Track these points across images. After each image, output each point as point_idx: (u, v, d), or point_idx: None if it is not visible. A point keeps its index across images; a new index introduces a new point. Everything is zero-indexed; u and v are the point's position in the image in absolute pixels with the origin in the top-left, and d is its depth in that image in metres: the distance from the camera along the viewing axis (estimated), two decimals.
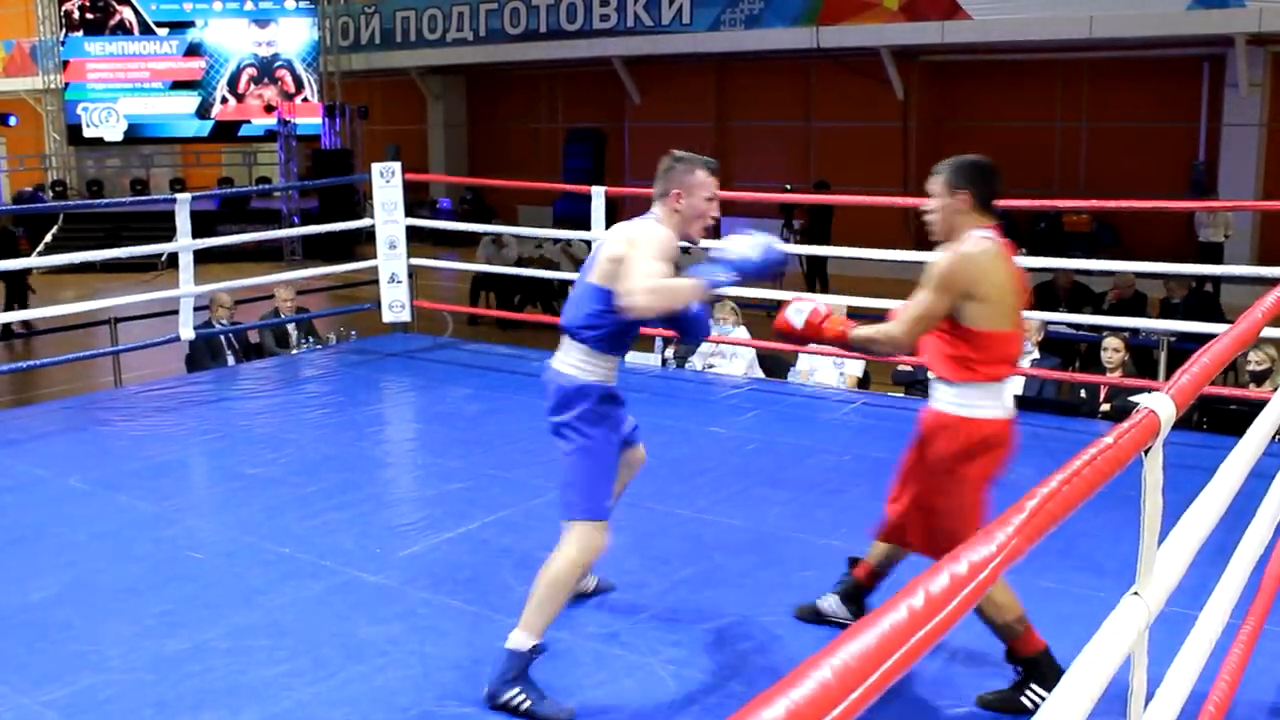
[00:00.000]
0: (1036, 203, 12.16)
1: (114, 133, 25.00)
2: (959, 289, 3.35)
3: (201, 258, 7.94)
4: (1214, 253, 15.49)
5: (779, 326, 3.71)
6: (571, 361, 3.53)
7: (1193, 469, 2.30)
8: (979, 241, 3.39)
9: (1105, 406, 7.42)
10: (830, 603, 4.01)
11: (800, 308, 3.66)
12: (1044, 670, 3.42)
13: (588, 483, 3.48)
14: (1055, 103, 19.02)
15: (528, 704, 3.39)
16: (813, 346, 5.65)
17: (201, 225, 8.28)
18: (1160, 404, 1.77)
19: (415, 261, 8.83)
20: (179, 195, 8.02)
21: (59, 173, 26.57)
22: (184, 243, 7.75)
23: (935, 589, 1.03)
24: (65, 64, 24.82)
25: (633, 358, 8.36)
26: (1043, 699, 3.53)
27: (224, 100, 24.78)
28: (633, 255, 3.41)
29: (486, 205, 23.72)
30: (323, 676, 3.59)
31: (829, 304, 3.76)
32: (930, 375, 3.57)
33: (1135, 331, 8.55)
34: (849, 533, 4.86)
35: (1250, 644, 3.21)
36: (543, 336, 12.29)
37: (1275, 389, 6.19)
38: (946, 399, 3.49)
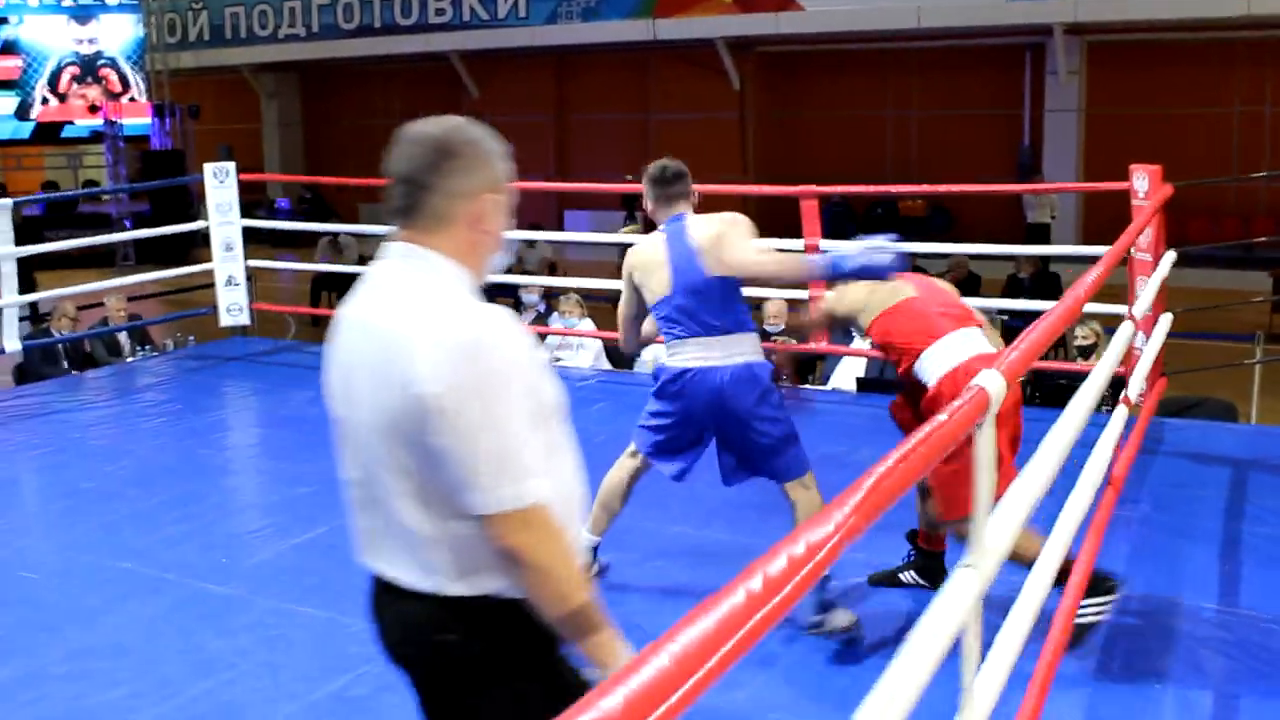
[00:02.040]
0: (871, 189, 12.52)
1: None
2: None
3: (29, 265, 7.62)
4: (1042, 233, 16.13)
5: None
6: (751, 350, 3.83)
7: (1027, 441, 2.39)
8: None
9: None
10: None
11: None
12: (933, 566, 4.02)
13: (797, 443, 3.96)
14: (886, 92, 19.54)
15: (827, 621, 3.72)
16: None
17: (27, 231, 7.93)
18: (990, 380, 1.84)
19: (253, 263, 8.63)
20: None
21: None
22: (5, 250, 7.43)
23: (773, 571, 1.05)
24: None
25: None
26: (916, 583, 4.14)
27: (45, 100, 23.76)
28: (734, 236, 3.74)
29: (326, 204, 23.27)
30: (167, 695, 3.49)
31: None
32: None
33: None
34: (696, 519, 4.91)
35: (1073, 604, 3.36)
36: None
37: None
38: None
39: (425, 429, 1.80)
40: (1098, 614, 3.64)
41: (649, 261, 3.91)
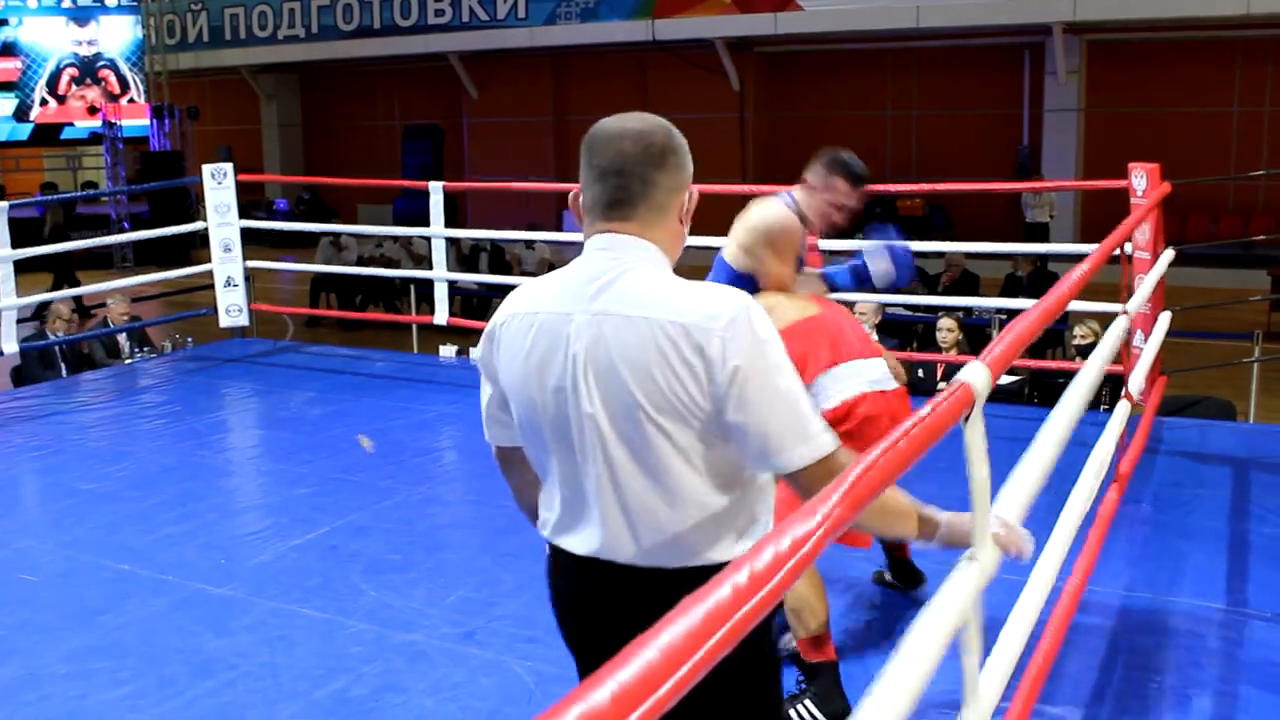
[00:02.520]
0: (869, 188, 12.55)
1: None
2: None
3: (26, 267, 7.63)
4: (1040, 232, 16.17)
5: None
6: None
7: (1024, 441, 2.40)
8: None
9: (942, 385, 7.66)
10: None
11: None
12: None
13: None
14: (886, 91, 19.57)
15: None
16: None
17: (24, 233, 7.95)
18: (975, 373, 1.85)
19: (252, 264, 8.64)
20: None
21: None
22: (3, 253, 7.44)
23: (759, 565, 1.05)
24: None
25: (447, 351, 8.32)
26: (896, 585, 4.01)
27: (44, 102, 23.77)
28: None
29: (325, 205, 23.30)
30: (169, 696, 3.50)
31: None
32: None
33: (969, 311, 8.84)
34: None
35: (1074, 600, 3.36)
36: (385, 337, 12.18)
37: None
38: None
39: (725, 405, 1.86)
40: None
41: None
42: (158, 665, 3.69)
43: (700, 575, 1.28)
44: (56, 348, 8.68)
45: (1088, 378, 2.95)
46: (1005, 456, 2.17)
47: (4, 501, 5.45)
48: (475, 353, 2.74)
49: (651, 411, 1.88)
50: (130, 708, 3.43)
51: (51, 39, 23.51)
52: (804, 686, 3.35)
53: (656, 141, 1.99)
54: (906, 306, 9.56)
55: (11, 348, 7.65)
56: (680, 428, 1.89)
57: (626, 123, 2.01)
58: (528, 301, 2.03)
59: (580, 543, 2.04)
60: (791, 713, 3.30)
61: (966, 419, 1.80)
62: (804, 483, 1.87)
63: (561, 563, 2.12)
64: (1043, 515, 2.76)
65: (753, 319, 1.87)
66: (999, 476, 2.02)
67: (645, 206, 1.98)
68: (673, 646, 0.89)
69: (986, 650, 2.05)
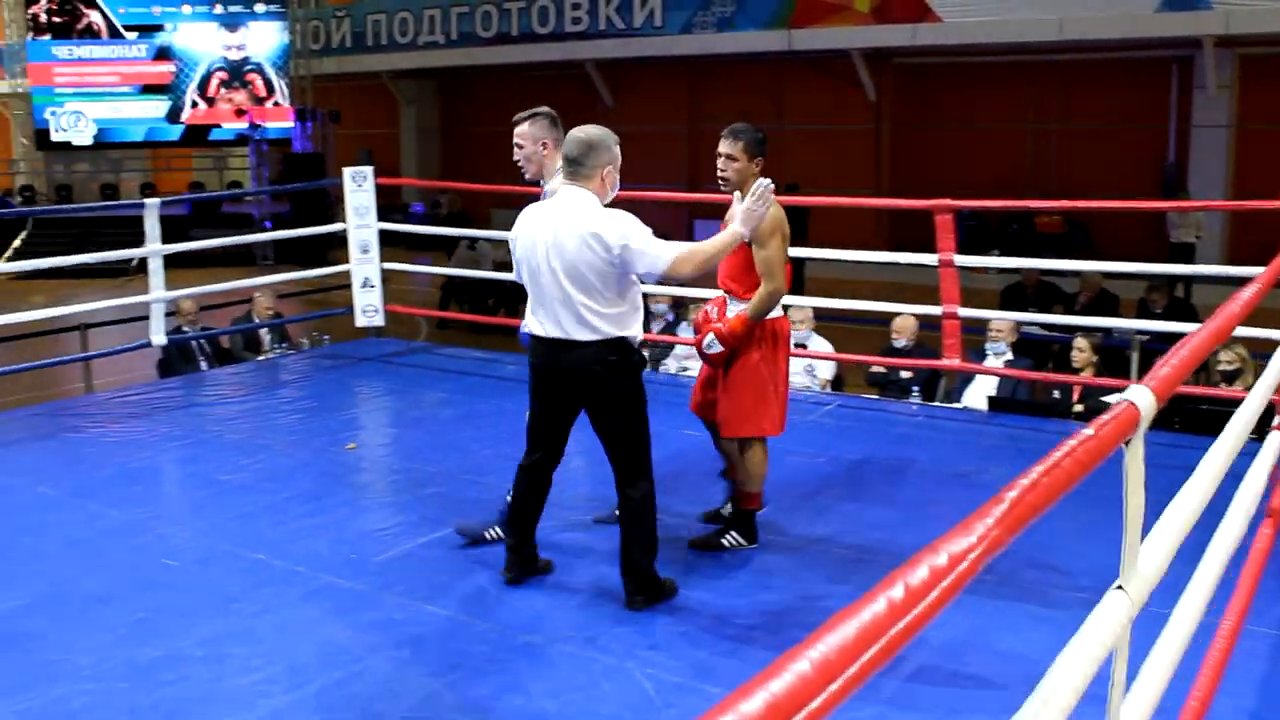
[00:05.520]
0: (1007, 204, 12.27)
1: (83, 137, 24.78)
2: (785, 231, 4.55)
3: (172, 262, 7.89)
4: (1185, 254, 15.60)
5: (712, 359, 4.65)
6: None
7: (1168, 468, 2.31)
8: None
9: (1078, 407, 7.45)
10: (730, 539, 4.72)
11: (709, 342, 4.57)
12: (749, 524, 4.68)
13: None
14: (1026, 104, 19.13)
15: None
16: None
17: (172, 230, 8.22)
18: (1140, 395, 1.78)
19: (388, 266, 8.80)
20: (148, 200, 7.97)
21: (27, 178, 26.36)
22: (154, 248, 7.70)
23: (914, 581, 1.02)
24: (32, 68, 24.60)
25: None
26: (739, 544, 4.65)
27: (194, 104, 24.60)
28: None
29: (460, 209, 23.67)
30: (298, 684, 3.57)
31: (707, 309, 4.75)
32: (729, 295, 4.65)
33: (1108, 332, 8.58)
34: (824, 533, 4.87)
35: (1230, 641, 3.23)
36: (514, 341, 12.26)
37: (1246, 388, 6.23)
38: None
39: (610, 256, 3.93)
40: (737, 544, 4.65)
41: None
42: (288, 653, 3.77)
43: (608, 342, 3.99)
44: (196, 342, 8.95)
45: (1250, 408, 2.83)
46: (1148, 483, 2.08)
47: (147, 489, 5.63)
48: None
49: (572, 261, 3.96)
50: (261, 693, 3.51)
51: (203, 44, 24.31)
52: (733, 525, 4.70)
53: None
54: (1043, 326, 9.34)
55: (160, 340, 7.92)
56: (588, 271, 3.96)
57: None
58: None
59: (542, 328, 4.06)
60: (724, 540, 4.66)
61: (1127, 443, 1.74)
62: (670, 274, 3.96)
63: (535, 343, 4.13)
64: (1189, 550, 2.66)
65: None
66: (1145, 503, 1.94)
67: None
68: (826, 660, 0.86)
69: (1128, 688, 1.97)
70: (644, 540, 4.13)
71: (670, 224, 18.09)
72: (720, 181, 4.67)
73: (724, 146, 4.62)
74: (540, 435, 4.26)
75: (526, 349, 4.30)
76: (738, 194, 4.66)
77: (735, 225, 3.98)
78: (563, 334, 4.03)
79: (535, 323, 4.13)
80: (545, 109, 4.70)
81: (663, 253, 3.92)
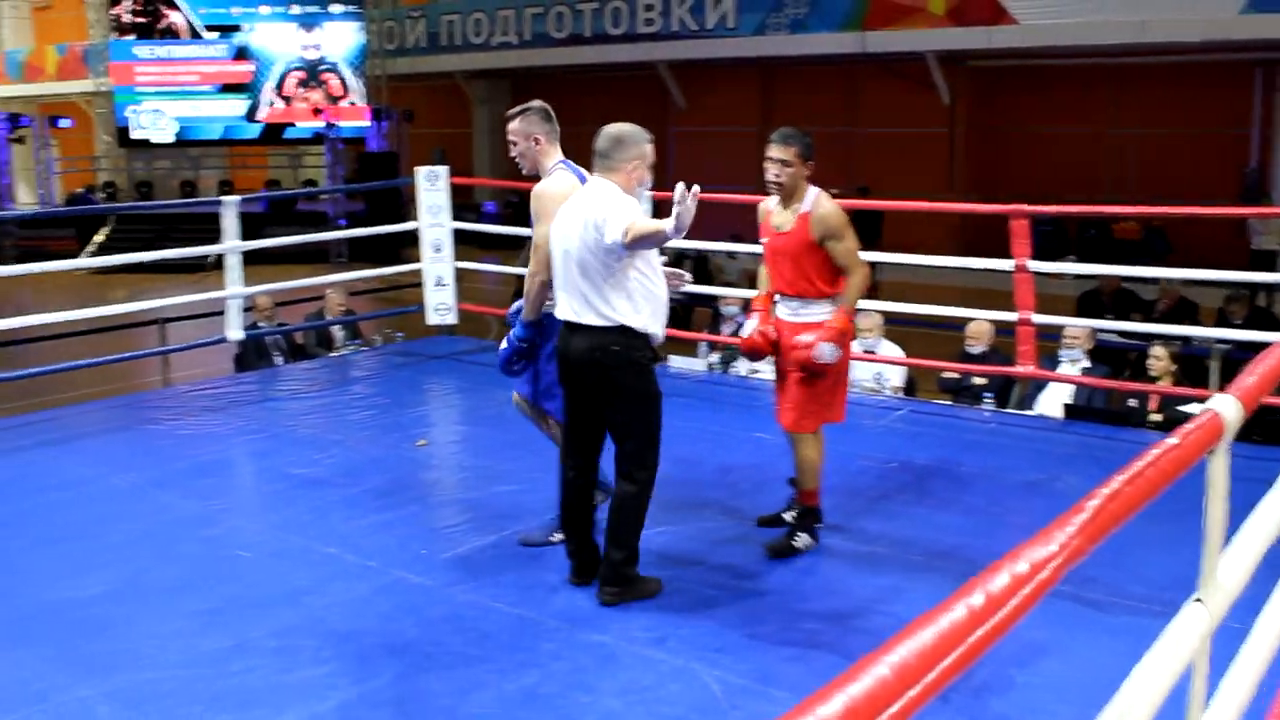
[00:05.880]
0: (1084, 209, 12.09)
1: (163, 135, 25.26)
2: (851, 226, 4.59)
3: (248, 259, 8.01)
4: (1267, 261, 15.27)
5: (829, 366, 4.55)
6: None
7: (1248, 480, 2.25)
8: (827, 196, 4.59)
9: (1156, 416, 7.31)
10: (803, 540, 4.67)
11: (823, 352, 4.50)
12: (813, 521, 4.69)
13: None
14: (1104, 108, 18.84)
15: None
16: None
17: (249, 227, 8.35)
18: (1226, 405, 1.74)
19: (460, 265, 8.85)
20: (226, 197, 8.10)
21: (109, 175, 26.91)
22: (231, 244, 7.82)
23: (995, 588, 1.01)
24: (114, 67, 25.10)
25: (679, 362, 8.34)
26: (810, 545, 4.64)
27: (271, 103, 24.98)
28: None
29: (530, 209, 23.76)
30: (366, 676, 3.61)
31: (761, 332, 4.80)
32: (790, 295, 4.67)
33: (1187, 340, 8.42)
34: (894, 539, 4.83)
35: None
36: None
37: None
38: (821, 313, 4.60)
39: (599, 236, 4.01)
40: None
41: None
42: (357, 646, 3.81)
43: (610, 329, 4.07)
44: (272, 337, 9.08)
45: None
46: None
47: (221, 481, 5.72)
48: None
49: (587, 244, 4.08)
50: (330, 685, 3.55)
51: (281, 44, 24.68)
52: (799, 527, 4.68)
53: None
54: (1119, 333, 9.20)
55: (236, 335, 8.04)
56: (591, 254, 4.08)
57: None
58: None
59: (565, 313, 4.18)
60: (796, 543, 4.63)
61: (1211, 453, 1.70)
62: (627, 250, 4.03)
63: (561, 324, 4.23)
64: (1271, 564, 2.60)
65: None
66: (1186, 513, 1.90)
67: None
68: (904, 665, 0.85)
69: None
70: (623, 534, 4.18)
71: (740, 225, 18.09)
72: (773, 188, 4.62)
73: (776, 151, 4.58)
74: (572, 438, 4.37)
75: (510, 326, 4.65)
76: (775, 203, 4.70)
77: (668, 222, 3.87)
78: (573, 317, 4.16)
79: (557, 306, 4.28)
80: (537, 103, 4.73)
81: (620, 222, 3.97)
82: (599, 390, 4.16)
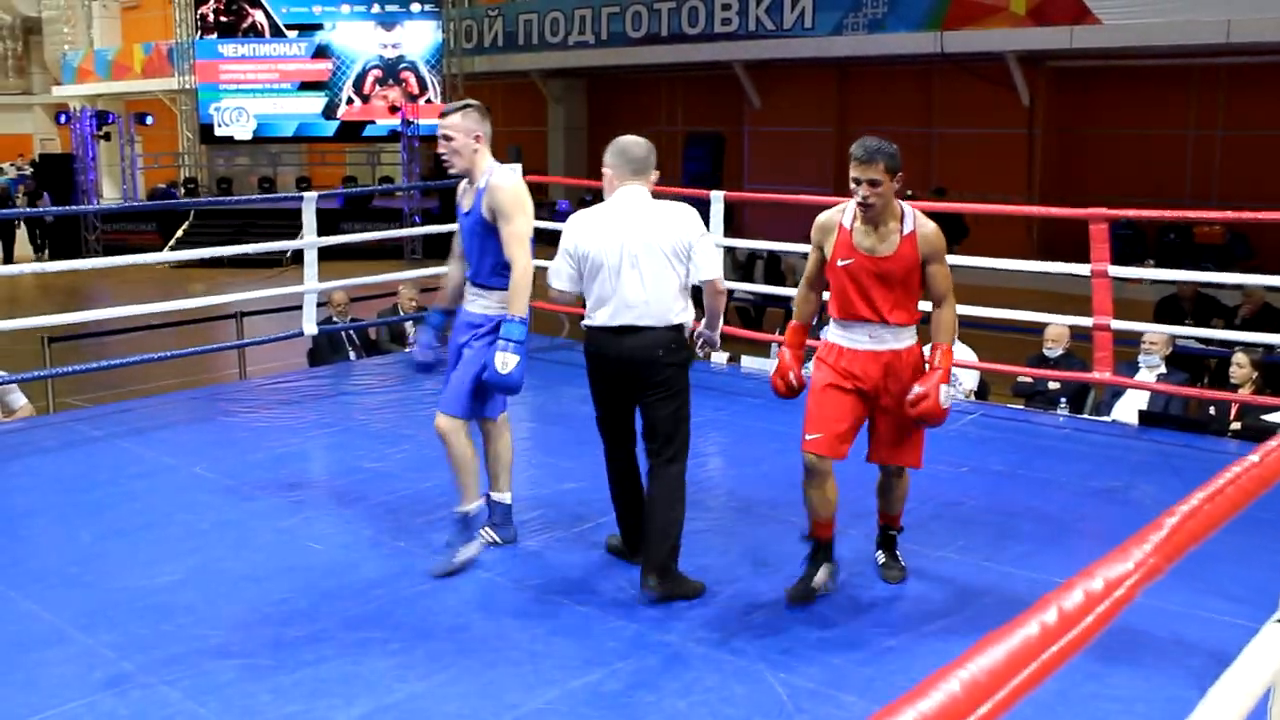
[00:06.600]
0: (1165, 213, 11.87)
1: (244, 132, 25.67)
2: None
3: (324, 255, 8.10)
4: None
5: (939, 417, 4.18)
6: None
7: None
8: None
9: (1236, 425, 7.15)
10: (896, 573, 4.46)
11: (946, 397, 4.13)
12: (823, 556, 4.31)
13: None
14: (1188, 110, 18.48)
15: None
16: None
17: (325, 223, 8.46)
18: None
19: (535, 263, 8.86)
20: (305, 194, 8.20)
21: (191, 170, 27.41)
22: (309, 240, 7.92)
23: (1069, 605, 0.99)
24: (199, 65, 25.55)
25: (750, 362, 8.31)
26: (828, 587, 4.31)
27: (349, 101, 25.29)
28: None
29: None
30: (435, 670, 3.64)
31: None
32: (888, 323, 4.18)
33: (1270, 348, 8.23)
34: (965, 545, 4.78)
35: None
36: None
37: None
38: (910, 338, 4.26)
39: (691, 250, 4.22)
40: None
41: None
42: (426, 640, 3.84)
43: (675, 327, 4.26)
44: (344, 332, 9.18)
45: None
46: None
47: (295, 473, 5.79)
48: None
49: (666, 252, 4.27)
50: (399, 677, 3.59)
51: (360, 42, 24.97)
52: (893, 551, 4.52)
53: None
54: (1199, 340, 9.03)
55: (311, 329, 8.14)
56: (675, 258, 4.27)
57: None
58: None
59: (607, 318, 4.32)
60: (891, 576, 4.41)
61: None
62: (713, 287, 4.36)
63: (594, 333, 4.40)
64: None
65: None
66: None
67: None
68: (975, 681, 0.84)
69: None
70: (676, 514, 4.24)
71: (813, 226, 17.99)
72: (862, 211, 4.12)
73: (862, 172, 4.04)
74: (613, 433, 4.59)
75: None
76: (851, 220, 4.22)
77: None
78: (633, 320, 4.26)
79: (598, 312, 4.39)
80: (475, 101, 4.63)
81: (715, 263, 4.40)
82: (651, 387, 4.23)
